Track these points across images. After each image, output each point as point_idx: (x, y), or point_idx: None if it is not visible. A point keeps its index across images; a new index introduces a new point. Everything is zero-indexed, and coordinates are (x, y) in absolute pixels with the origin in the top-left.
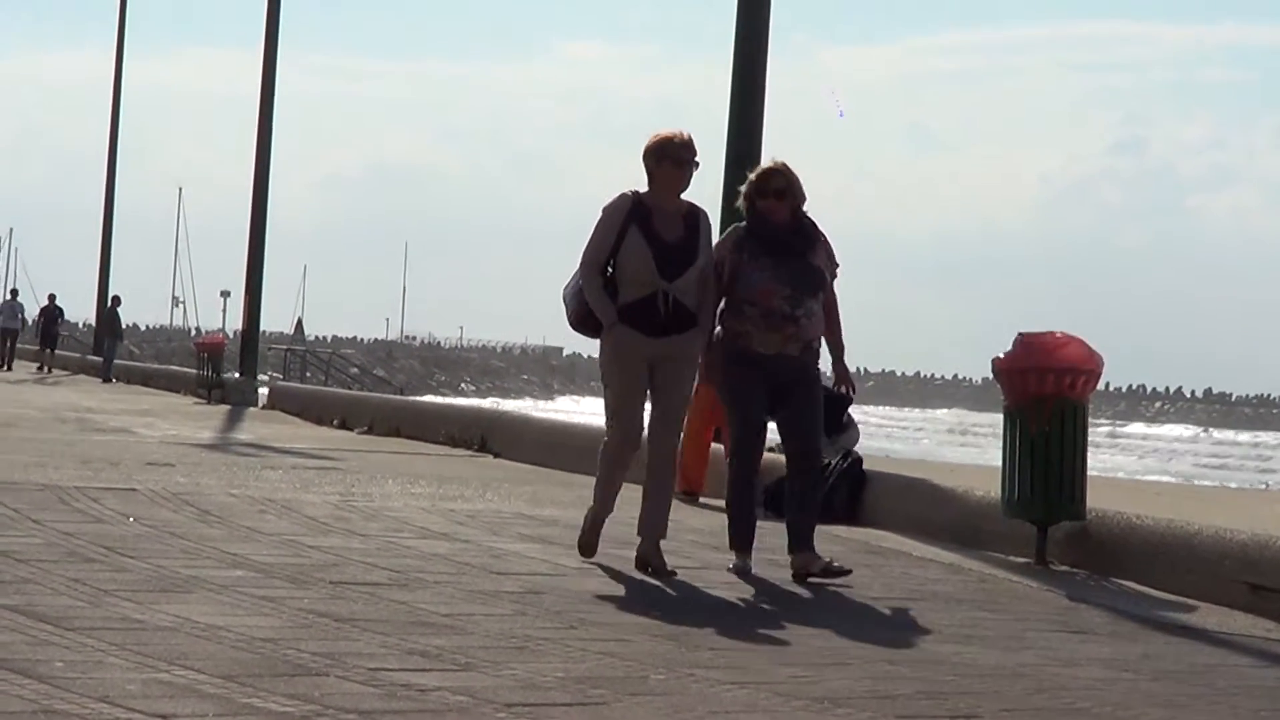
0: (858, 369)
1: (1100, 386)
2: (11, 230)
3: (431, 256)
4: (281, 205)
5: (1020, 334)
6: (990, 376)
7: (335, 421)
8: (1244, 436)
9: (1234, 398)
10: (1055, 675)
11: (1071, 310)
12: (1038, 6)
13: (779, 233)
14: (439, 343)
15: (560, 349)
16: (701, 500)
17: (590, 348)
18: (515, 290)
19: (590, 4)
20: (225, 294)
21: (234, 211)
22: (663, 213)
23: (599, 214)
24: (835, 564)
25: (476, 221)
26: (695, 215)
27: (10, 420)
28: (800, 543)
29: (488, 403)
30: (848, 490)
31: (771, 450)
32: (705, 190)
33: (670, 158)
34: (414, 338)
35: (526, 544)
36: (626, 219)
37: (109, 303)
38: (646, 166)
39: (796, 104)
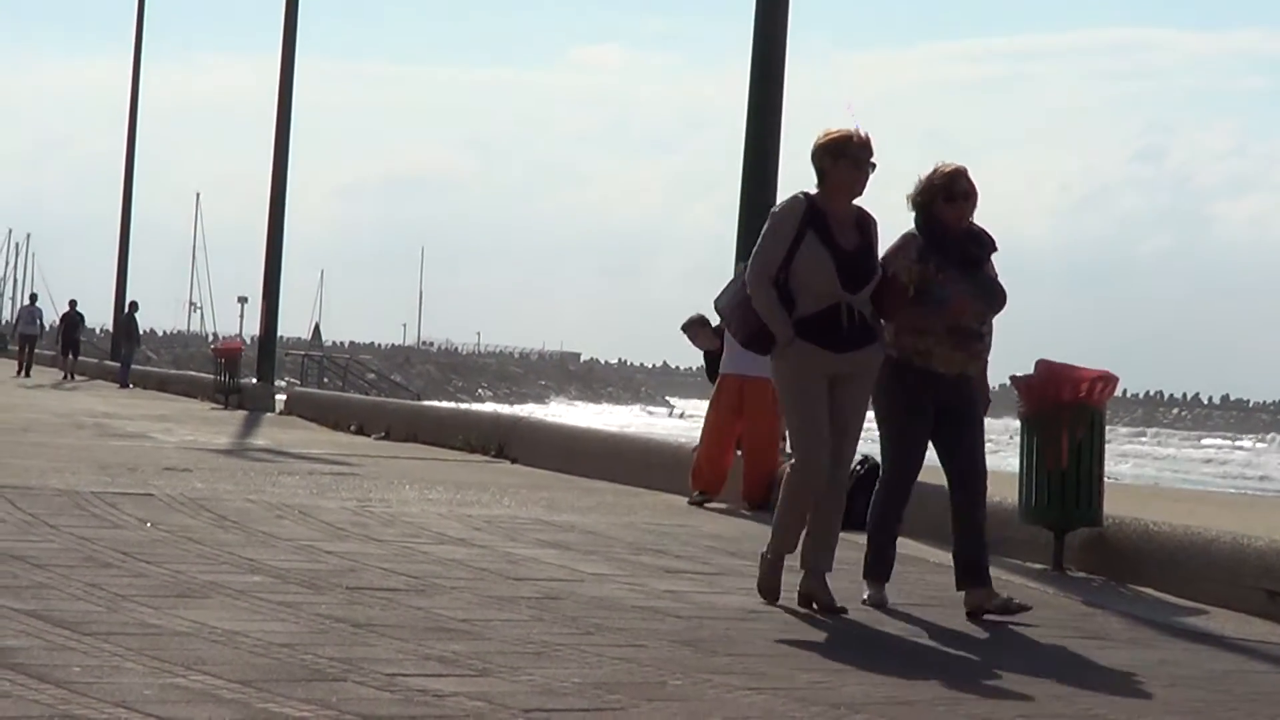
0: None
1: (1117, 393)
2: (29, 236)
3: (449, 262)
4: (299, 211)
5: (1039, 361)
6: (1007, 383)
7: (352, 427)
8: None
9: (1251, 404)
10: (1073, 680)
11: (1091, 317)
12: (1058, 14)
13: (965, 242)
14: (456, 348)
15: (578, 354)
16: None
17: (608, 353)
18: (533, 296)
19: (609, 11)
20: (243, 300)
21: (251, 217)
22: (836, 218)
23: (768, 218)
24: (1014, 600)
25: (494, 227)
26: (866, 220)
27: (27, 425)
28: (974, 577)
29: (524, 409)
30: (865, 497)
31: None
32: (725, 196)
33: (849, 157)
34: (431, 343)
35: (544, 549)
36: (801, 224)
37: (126, 308)
38: (819, 166)
39: (815, 110)
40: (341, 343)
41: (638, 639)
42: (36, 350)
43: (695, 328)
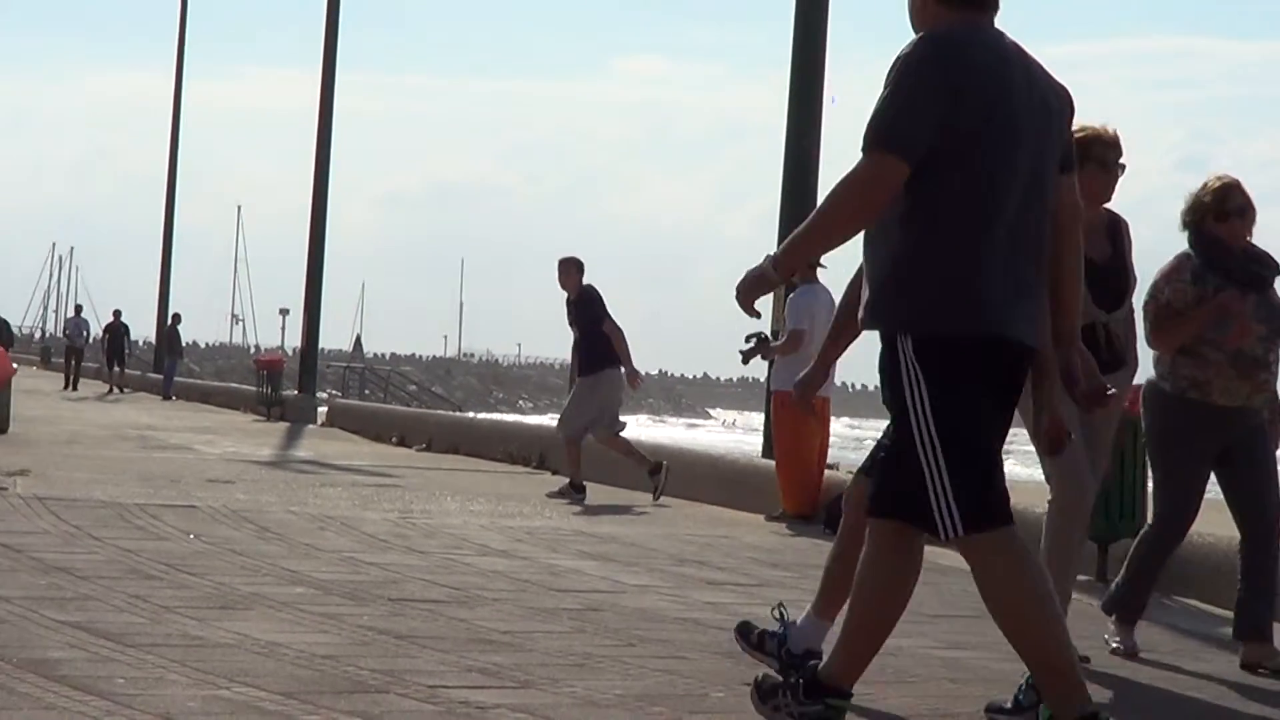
0: None
1: None
2: (73, 249)
3: (490, 273)
4: (341, 223)
5: None
6: None
7: (394, 439)
8: None
9: None
10: (1117, 693)
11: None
12: (1100, 23)
13: (1247, 261)
14: (497, 360)
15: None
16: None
17: (648, 363)
18: None
19: (651, 21)
20: (284, 311)
21: (293, 229)
22: (1085, 225)
23: None
24: None
25: (535, 238)
26: (1117, 226)
27: (72, 438)
28: (1258, 630)
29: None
30: None
31: (832, 468)
32: (765, 205)
33: (1094, 159)
34: (472, 355)
35: (585, 561)
36: None
37: (169, 320)
38: None
39: (855, 118)
40: (383, 354)
41: (680, 651)
42: (83, 363)
43: (763, 349)
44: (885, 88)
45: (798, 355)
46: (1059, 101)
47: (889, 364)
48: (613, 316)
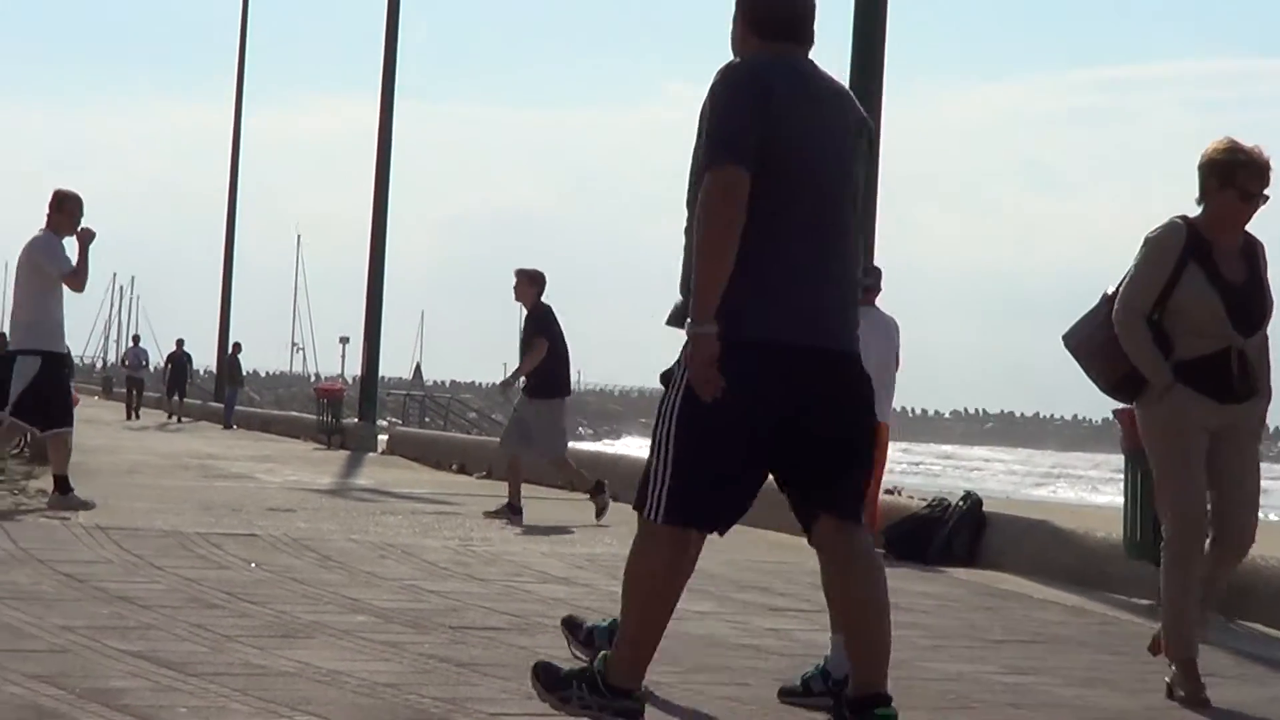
0: (977, 409)
1: None
2: (134, 279)
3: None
4: (400, 251)
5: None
6: (1110, 417)
7: (454, 466)
8: None
9: None
10: (1180, 718)
11: None
12: (1160, 45)
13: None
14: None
15: None
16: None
17: None
18: (633, 334)
19: (704, 47)
20: (344, 340)
21: (352, 258)
22: (1221, 247)
23: (1142, 245)
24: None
25: (594, 264)
26: (1254, 248)
27: (133, 467)
28: None
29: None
30: (968, 532)
31: (891, 493)
32: None
33: (1237, 186)
34: None
35: None
36: (1182, 254)
37: (230, 349)
38: (1202, 184)
39: (910, 143)
40: (442, 382)
41: (741, 677)
42: (144, 393)
43: None
44: (710, 112)
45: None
46: (867, 133)
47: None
48: (554, 338)
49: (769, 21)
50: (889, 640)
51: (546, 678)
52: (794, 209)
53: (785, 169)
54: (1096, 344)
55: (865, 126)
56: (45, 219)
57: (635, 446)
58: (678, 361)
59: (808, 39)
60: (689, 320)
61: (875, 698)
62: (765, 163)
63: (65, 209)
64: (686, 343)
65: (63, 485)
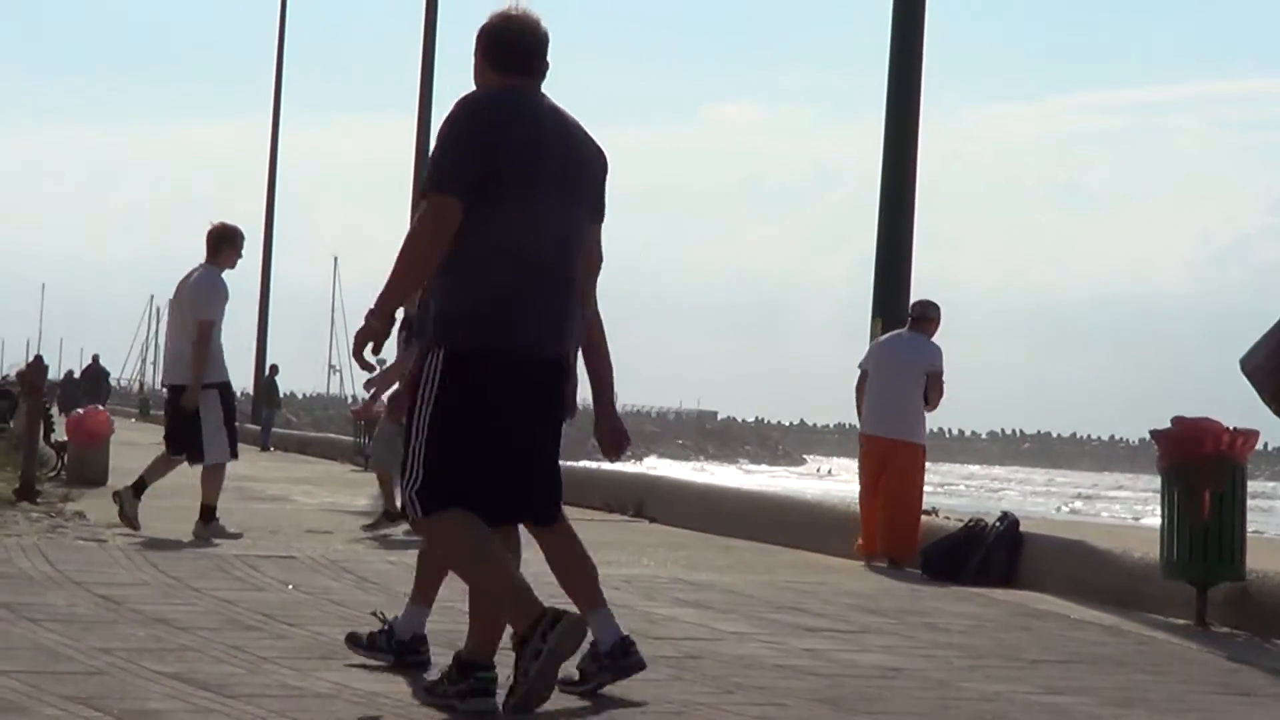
0: (1014, 430)
1: (1259, 446)
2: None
3: None
4: None
5: (1176, 418)
6: (1147, 437)
7: None
8: None
9: None
10: None
11: (1231, 369)
12: (1192, 65)
13: None
14: (592, 409)
15: (714, 413)
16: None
17: (744, 410)
18: (669, 355)
19: (743, 68)
20: (381, 362)
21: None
22: None
23: None
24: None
25: (630, 286)
26: None
27: (171, 490)
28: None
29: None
30: (1004, 552)
31: (929, 514)
32: (861, 250)
33: None
34: None
35: (683, 609)
36: None
37: (267, 371)
38: None
39: (950, 163)
40: None
41: (778, 697)
42: None
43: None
44: (438, 141)
45: (874, 399)
46: (595, 159)
47: (421, 369)
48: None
49: (502, 57)
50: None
51: (423, 686)
52: (517, 231)
53: (510, 195)
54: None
55: (595, 158)
56: (206, 253)
57: (663, 467)
58: (423, 371)
59: (538, 72)
60: (370, 309)
61: (484, 664)
62: (490, 189)
63: (232, 243)
64: (427, 352)
65: (209, 514)
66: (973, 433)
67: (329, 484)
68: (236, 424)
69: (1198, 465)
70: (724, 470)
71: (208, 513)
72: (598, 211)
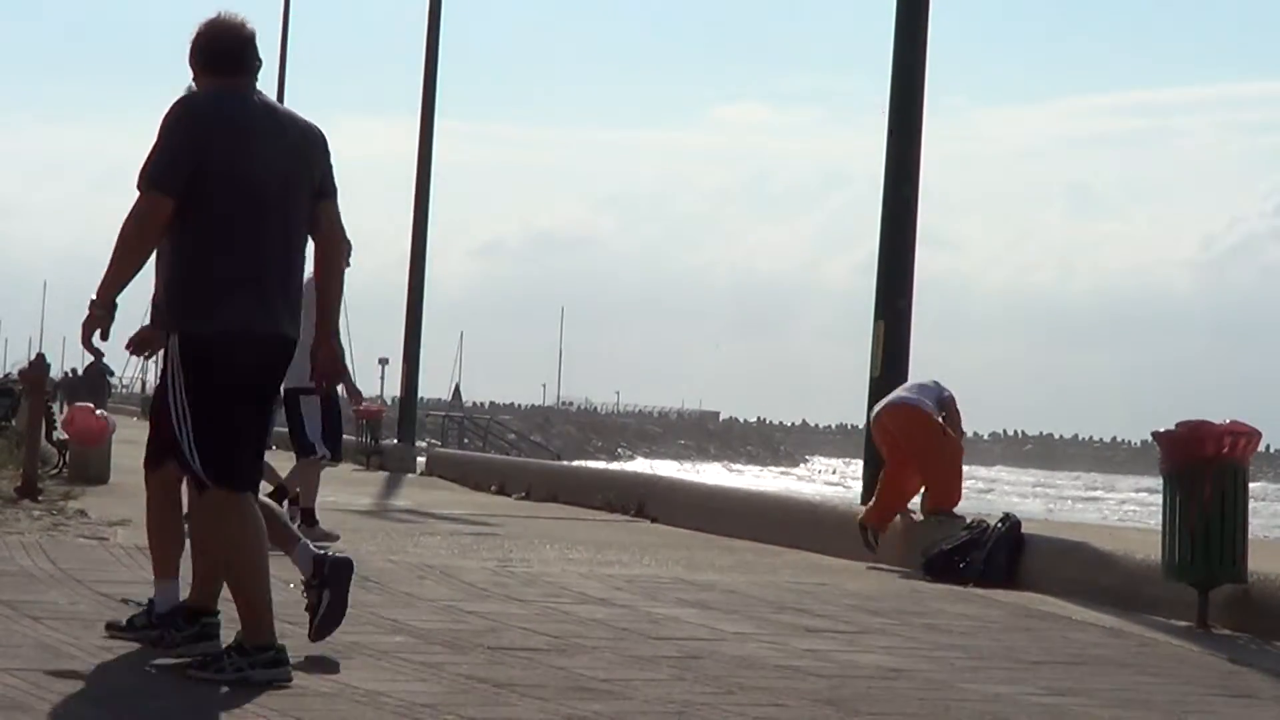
0: (1017, 431)
1: (1260, 448)
2: None
3: (588, 322)
4: (440, 272)
5: (1180, 423)
6: (1149, 439)
7: (493, 487)
8: None
9: None
10: None
11: (1236, 370)
12: (1198, 68)
13: None
14: (595, 408)
15: (716, 413)
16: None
17: (746, 411)
18: (672, 355)
19: (748, 69)
20: (383, 361)
21: (392, 279)
22: None
23: None
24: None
25: (633, 286)
26: None
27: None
28: None
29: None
30: (1006, 554)
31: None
32: (864, 252)
33: None
34: (571, 403)
35: (684, 609)
36: None
37: None
38: None
39: (956, 166)
40: (482, 403)
41: (779, 698)
42: None
43: None
44: (155, 140)
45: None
46: (311, 143)
47: (165, 353)
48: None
49: (210, 60)
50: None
51: (199, 662)
52: (237, 222)
53: (226, 189)
54: None
55: (312, 142)
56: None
57: (648, 466)
58: (170, 359)
59: (248, 70)
60: (92, 299)
61: (207, 610)
62: (207, 184)
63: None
64: (175, 340)
65: (310, 517)
66: (975, 433)
67: (331, 483)
68: (340, 426)
69: (1199, 467)
70: (709, 468)
71: (309, 515)
72: (325, 191)
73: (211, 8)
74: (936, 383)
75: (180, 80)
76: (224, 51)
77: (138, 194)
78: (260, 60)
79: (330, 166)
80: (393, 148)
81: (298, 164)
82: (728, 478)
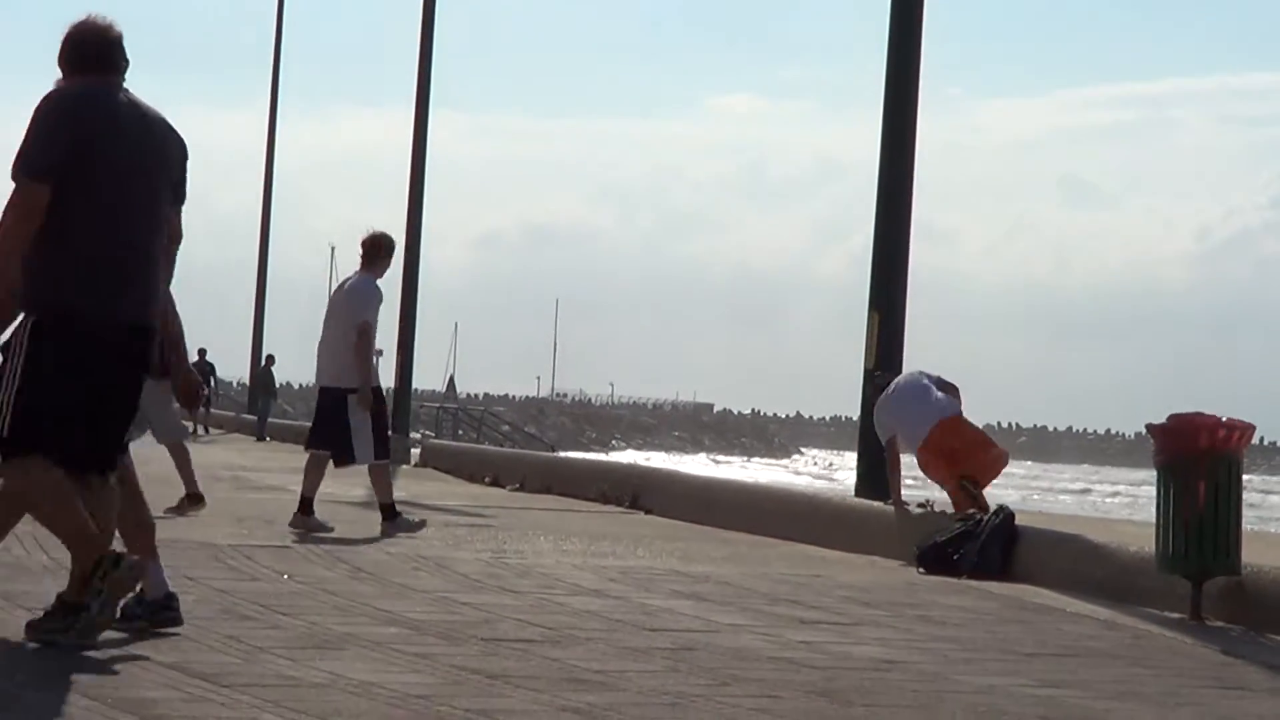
0: (1011, 423)
1: (1255, 440)
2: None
3: (583, 313)
4: (434, 263)
5: (1171, 415)
6: (1143, 431)
7: (487, 479)
8: None
9: None
10: None
11: (1230, 363)
12: (1194, 60)
13: None
14: (590, 400)
15: (710, 405)
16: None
17: (740, 403)
18: (666, 347)
19: (742, 60)
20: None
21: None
22: None
23: None
24: None
25: (628, 278)
26: None
27: (166, 478)
28: None
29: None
30: (1000, 546)
31: (923, 506)
32: (858, 243)
33: None
34: (565, 395)
35: (679, 600)
36: None
37: (263, 362)
38: None
39: (951, 157)
40: (476, 395)
41: (773, 690)
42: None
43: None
44: (26, 132)
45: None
46: (174, 146)
47: (14, 330)
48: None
49: (78, 59)
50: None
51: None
52: (100, 209)
53: (91, 181)
54: None
55: (173, 145)
56: (360, 261)
57: (631, 456)
58: (15, 332)
59: (115, 69)
60: None
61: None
62: (72, 174)
63: (387, 252)
64: (28, 316)
65: (390, 512)
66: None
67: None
68: (388, 424)
69: (1193, 459)
70: (692, 460)
71: (388, 511)
72: (177, 195)
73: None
74: (923, 373)
75: (177, 70)
76: (92, 52)
77: (14, 185)
78: (127, 60)
79: (186, 175)
80: (388, 138)
81: (159, 162)
82: (717, 470)
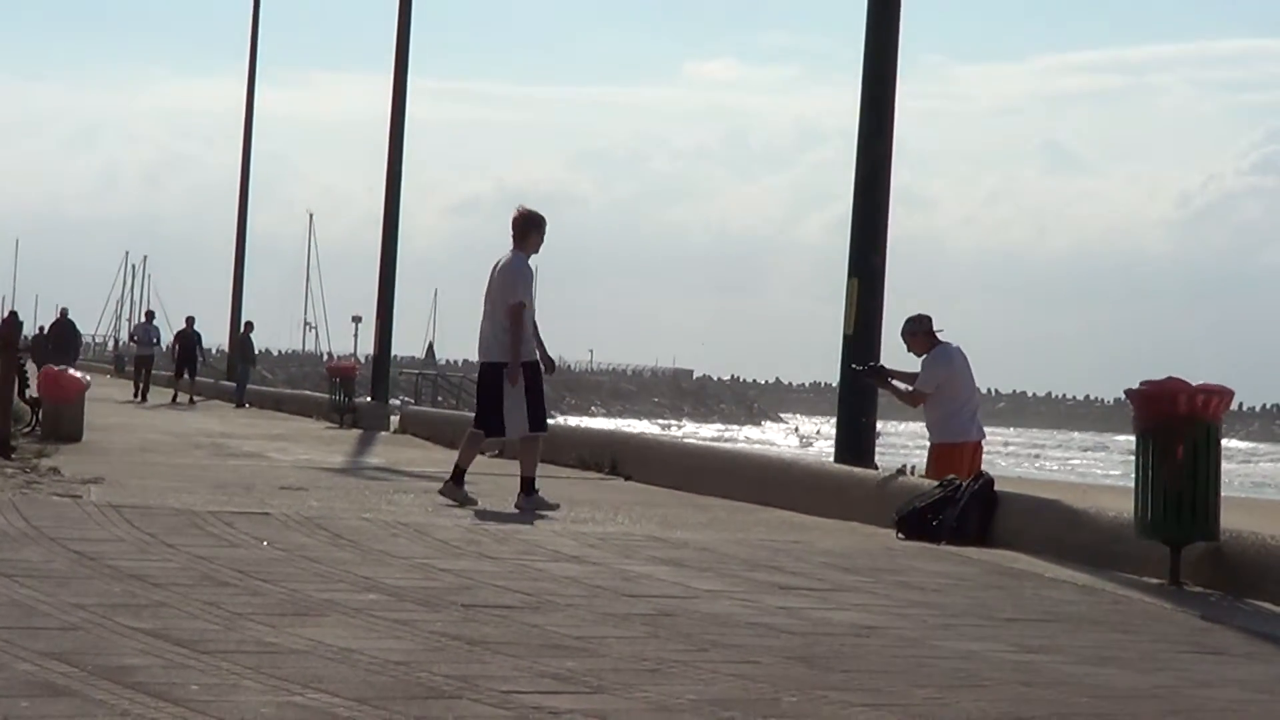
0: (990, 389)
1: (1234, 406)
2: (146, 258)
3: (562, 280)
4: (414, 230)
5: (1143, 382)
6: (1122, 397)
7: None
8: None
9: None
10: (1190, 697)
11: (1210, 329)
12: (1175, 25)
13: None
14: (569, 366)
15: (690, 371)
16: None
17: (720, 369)
18: (646, 313)
19: (723, 25)
20: (357, 319)
21: (365, 237)
22: None
23: None
24: None
25: (607, 244)
26: None
27: (146, 446)
28: None
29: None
30: (979, 512)
31: (901, 472)
32: (839, 210)
33: None
34: None
35: (658, 566)
36: None
37: (242, 328)
38: None
39: (932, 124)
40: (455, 361)
41: (752, 655)
42: (154, 371)
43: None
44: None
45: (941, 410)
46: None
47: None
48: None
49: None
50: None
51: None
52: None
53: None
54: None
55: None
56: (513, 238)
57: (599, 423)
58: None
59: None
60: None
61: None
62: None
63: (538, 229)
64: None
65: (529, 486)
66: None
67: (304, 440)
68: (543, 399)
69: (1171, 425)
70: (649, 427)
71: (528, 485)
72: None
73: None
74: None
75: (156, 37)
76: None
77: None
78: None
79: None
80: (367, 104)
81: None
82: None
